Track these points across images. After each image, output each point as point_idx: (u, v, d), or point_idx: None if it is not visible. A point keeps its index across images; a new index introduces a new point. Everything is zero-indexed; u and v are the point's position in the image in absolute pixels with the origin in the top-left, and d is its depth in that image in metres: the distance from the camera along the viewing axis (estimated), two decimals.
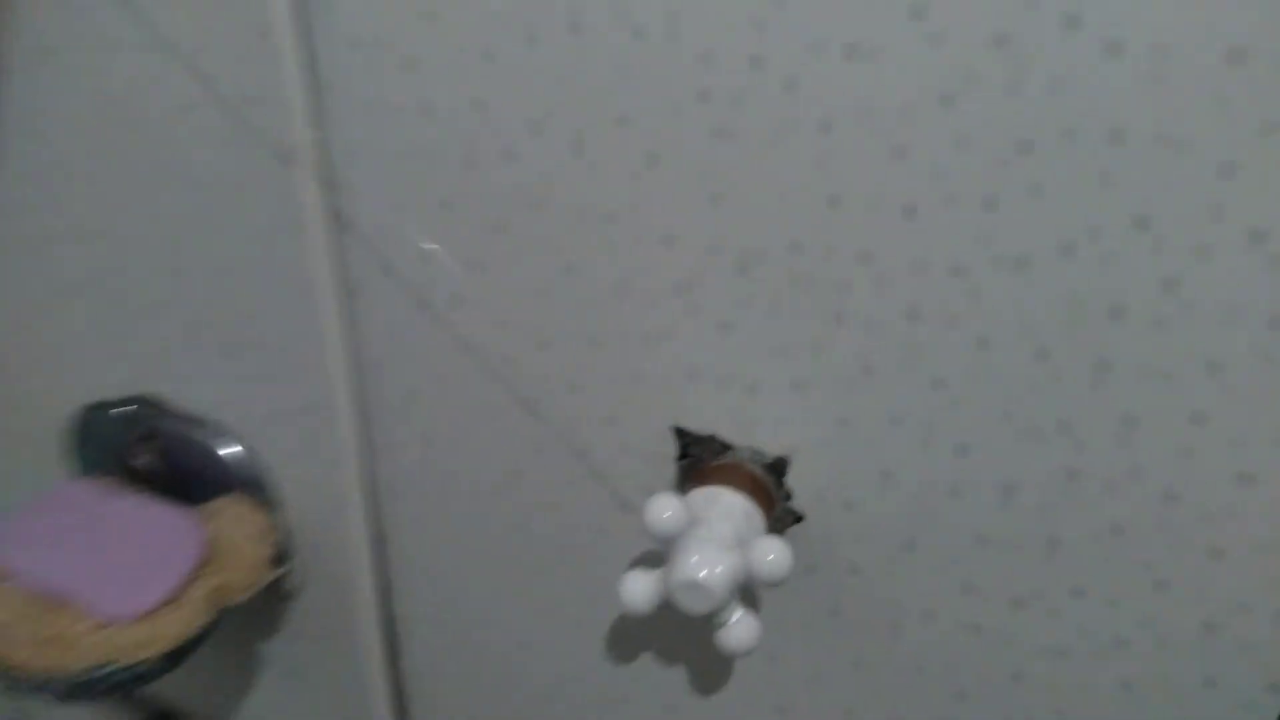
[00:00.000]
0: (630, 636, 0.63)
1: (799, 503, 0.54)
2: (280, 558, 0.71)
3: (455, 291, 0.57)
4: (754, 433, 0.53)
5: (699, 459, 0.55)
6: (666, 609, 0.49)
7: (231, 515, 0.71)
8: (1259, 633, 0.46)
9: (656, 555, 0.59)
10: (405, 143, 0.54)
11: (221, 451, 0.72)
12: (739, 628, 0.50)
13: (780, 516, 0.54)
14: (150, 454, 0.73)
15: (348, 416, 0.64)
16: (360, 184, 0.57)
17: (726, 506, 0.51)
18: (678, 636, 0.62)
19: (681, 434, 0.55)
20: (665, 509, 0.48)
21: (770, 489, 0.54)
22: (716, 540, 0.49)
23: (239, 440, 0.72)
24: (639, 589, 0.50)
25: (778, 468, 0.53)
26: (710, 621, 0.50)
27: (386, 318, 0.60)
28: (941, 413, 0.48)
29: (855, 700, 0.58)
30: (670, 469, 0.56)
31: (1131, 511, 0.46)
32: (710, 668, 0.62)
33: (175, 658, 0.64)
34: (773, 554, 0.47)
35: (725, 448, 0.54)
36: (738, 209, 0.48)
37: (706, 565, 0.48)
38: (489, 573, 0.66)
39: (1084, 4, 0.38)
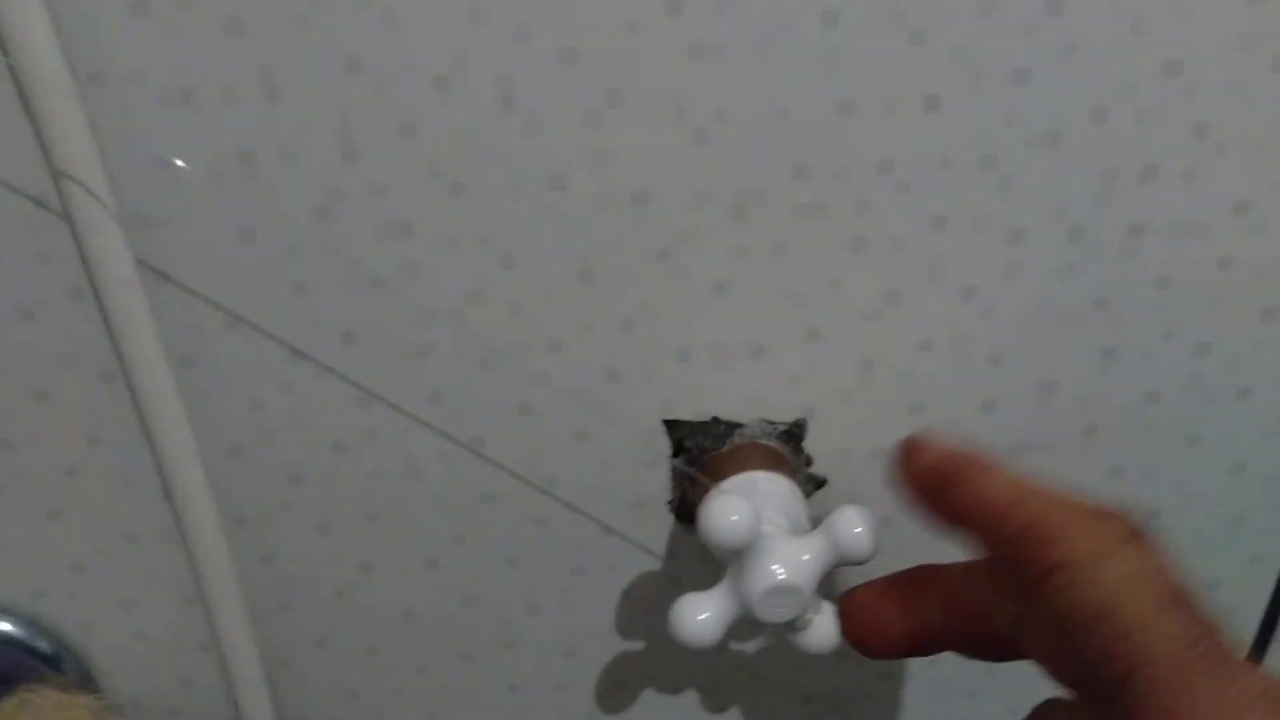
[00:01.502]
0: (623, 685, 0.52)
1: (819, 466, 0.45)
2: None
3: (345, 328, 0.42)
4: (763, 403, 0.44)
5: (702, 450, 0.44)
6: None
7: (46, 707, 0.49)
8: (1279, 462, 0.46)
9: (652, 576, 0.49)
10: (238, 139, 0.37)
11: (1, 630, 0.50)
12: (824, 624, 0.41)
13: (802, 486, 0.45)
14: None
15: (202, 515, 0.46)
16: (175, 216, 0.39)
17: (768, 491, 0.42)
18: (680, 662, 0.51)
19: (675, 426, 0.44)
20: (732, 511, 0.37)
21: (788, 458, 0.45)
22: (782, 533, 0.39)
23: (12, 613, 0.50)
24: (705, 617, 0.39)
25: (795, 433, 0.45)
26: (789, 625, 0.41)
27: (242, 386, 0.43)
28: (974, 323, 0.42)
29: (887, 663, 0.51)
30: (658, 475, 0.45)
31: (1165, 375, 0.43)
32: (733, 662, 0.52)
33: None
34: (859, 525, 0.38)
35: (731, 428, 0.44)
36: (728, 141, 0.38)
37: (790, 563, 0.38)
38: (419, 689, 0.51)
39: None
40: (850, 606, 0.36)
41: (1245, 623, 0.50)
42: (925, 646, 0.34)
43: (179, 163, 0.36)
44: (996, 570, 0.31)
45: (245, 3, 0.35)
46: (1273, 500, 0.47)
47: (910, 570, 0.35)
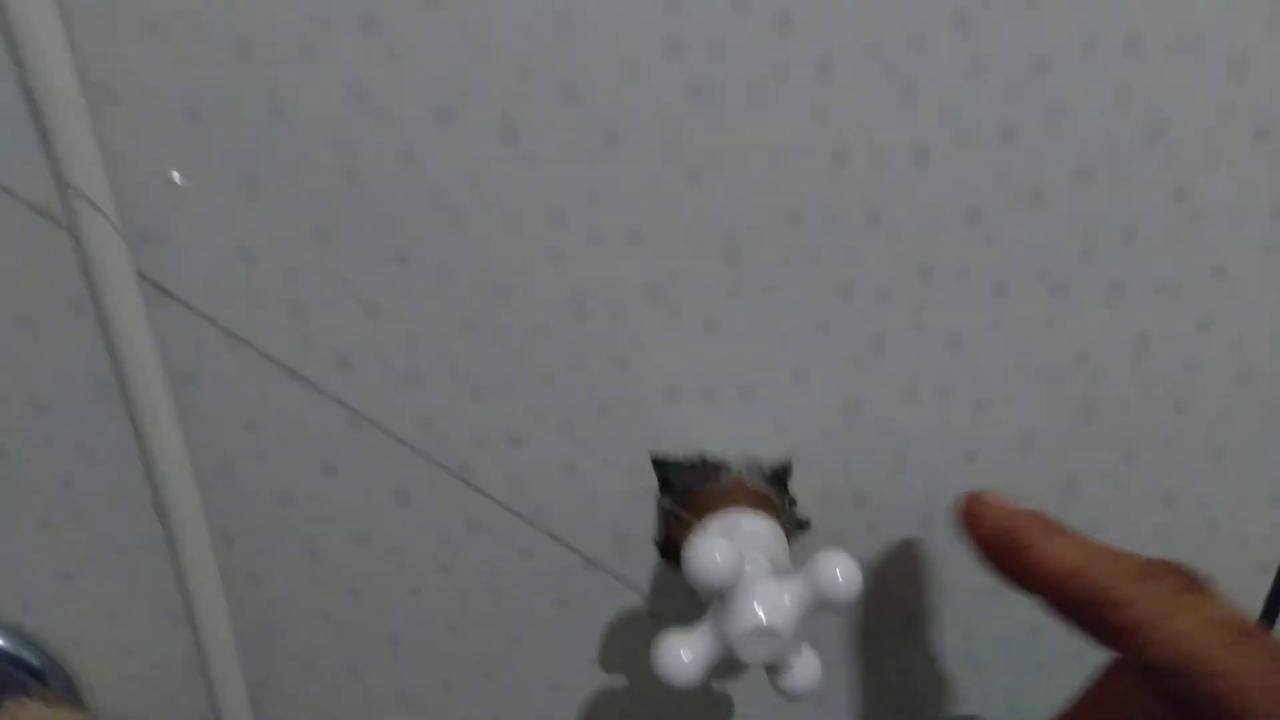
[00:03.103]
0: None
1: (803, 508, 0.43)
2: None
3: (341, 353, 0.40)
4: (749, 442, 0.42)
5: (687, 487, 0.42)
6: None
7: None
8: (1252, 524, 0.43)
9: (634, 612, 0.46)
10: (242, 160, 0.36)
11: None
12: (805, 667, 0.38)
13: (786, 528, 0.43)
14: None
15: (192, 531, 0.43)
16: (178, 233, 0.37)
17: (751, 531, 0.39)
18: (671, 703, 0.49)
19: (662, 464, 0.42)
20: (714, 550, 0.35)
21: (773, 500, 0.42)
22: (764, 573, 0.37)
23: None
24: (687, 657, 0.36)
25: (780, 475, 0.42)
26: (769, 667, 0.38)
27: (237, 404, 0.41)
28: (957, 373, 0.40)
29: (869, 707, 0.48)
30: (644, 511, 0.43)
31: (1142, 433, 0.41)
32: (711, 700, 0.49)
33: None
34: (841, 570, 0.36)
35: (717, 467, 0.42)
36: (723, 183, 0.36)
37: (771, 604, 0.36)
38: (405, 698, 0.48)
39: None
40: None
41: None
42: None
43: (176, 177, 0.34)
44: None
45: (255, 28, 0.34)
46: (1246, 561, 0.44)
47: None
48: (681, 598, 0.46)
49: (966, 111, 0.35)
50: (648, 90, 0.35)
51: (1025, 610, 0.46)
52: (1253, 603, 0.46)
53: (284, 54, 0.34)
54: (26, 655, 0.48)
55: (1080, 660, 0.46)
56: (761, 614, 0.35)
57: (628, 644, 0.47)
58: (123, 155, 0.35)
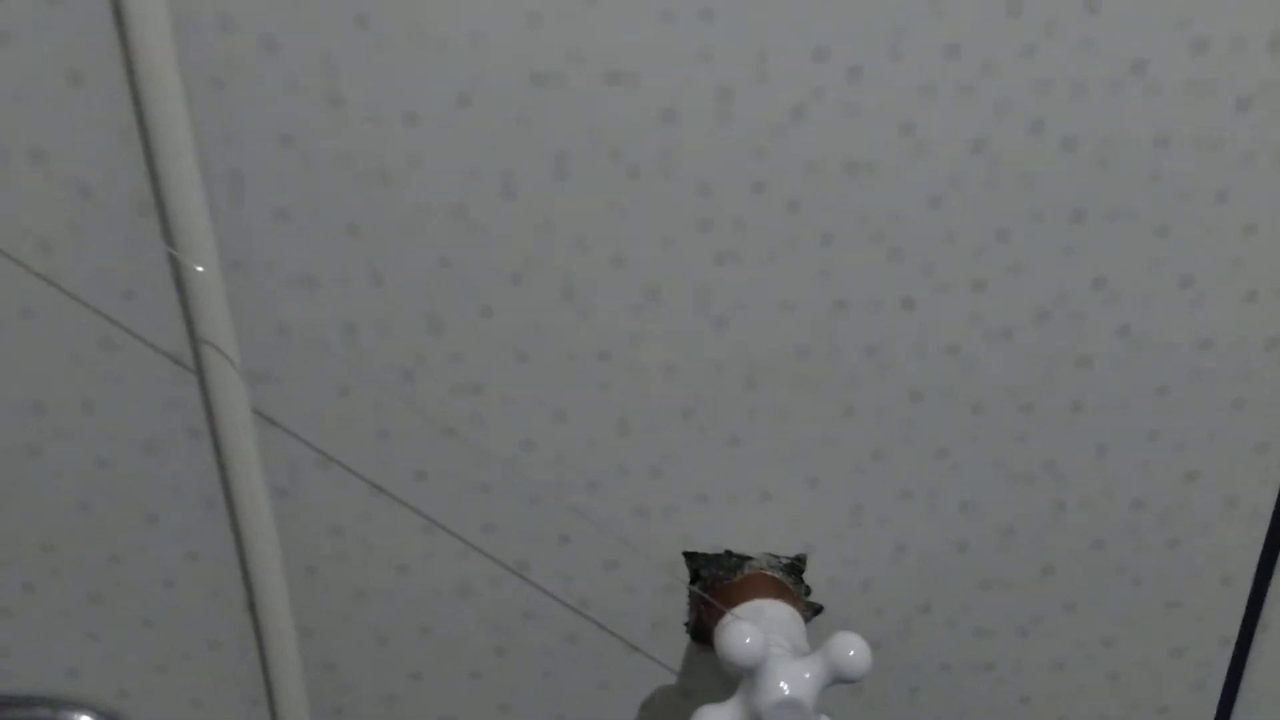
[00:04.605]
0: None
1: (816, 595, 0.52)
2: None
3: (418, 468, 0.48)
4: (769, 539, 0.50)
5: (716, 579, 0.51)
6: None
7: None
8: (1209, 602, 0.52)
9: (668, 690, 0.54)
10: (346, 315, 0.45)
11: None
12: None
13: (802, 613, 0.52)
14: None
15: (279, 625, 0.51)
16: (287, 374, 0.46)
17: (773, 617, 0.48)
18: None
19: (693, 557, 0.51)
20: (745, 635, 0.44)
21: (790, 589, 0.51)
22: (787, 653, 0.45)
23: (97, 711, 0.55)
24: None
25: (797, 567, 0.51)
26: None
27: (325, 513, 0.49)
28: (945, 478, 0.49)
29: None
30: (677, 600, 0.52)
31: (1107, 526, 0.50)
32: None
33: None
34: (853, 650, 0.45)
35: (741, 561, 0.51)
36: (744, 327, 0.46)
37: (794, 680, 0.44)
38: None
39: (1044, 109, 0.42)
40: None
41: None
42: None
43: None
44: None
45: (364, 211, 0.43)
46: (1207, 635, 0.53)
47: None
48: (709, 677, 0.54)
49: (943, 268, 0.45)
50: (682, 256, 0.44)
51: (1015, 684, 0.54)
52: (1215, 673, 0.54)
53: (387, 232, 0.43)
54: None
55: None
56: (787, 689, 0.44)
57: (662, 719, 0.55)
58: (247, 313, 0.45)
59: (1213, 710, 0.55)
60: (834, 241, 0.44)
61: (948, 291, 0.45)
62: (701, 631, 0.52)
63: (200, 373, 0.46)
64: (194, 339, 0.45)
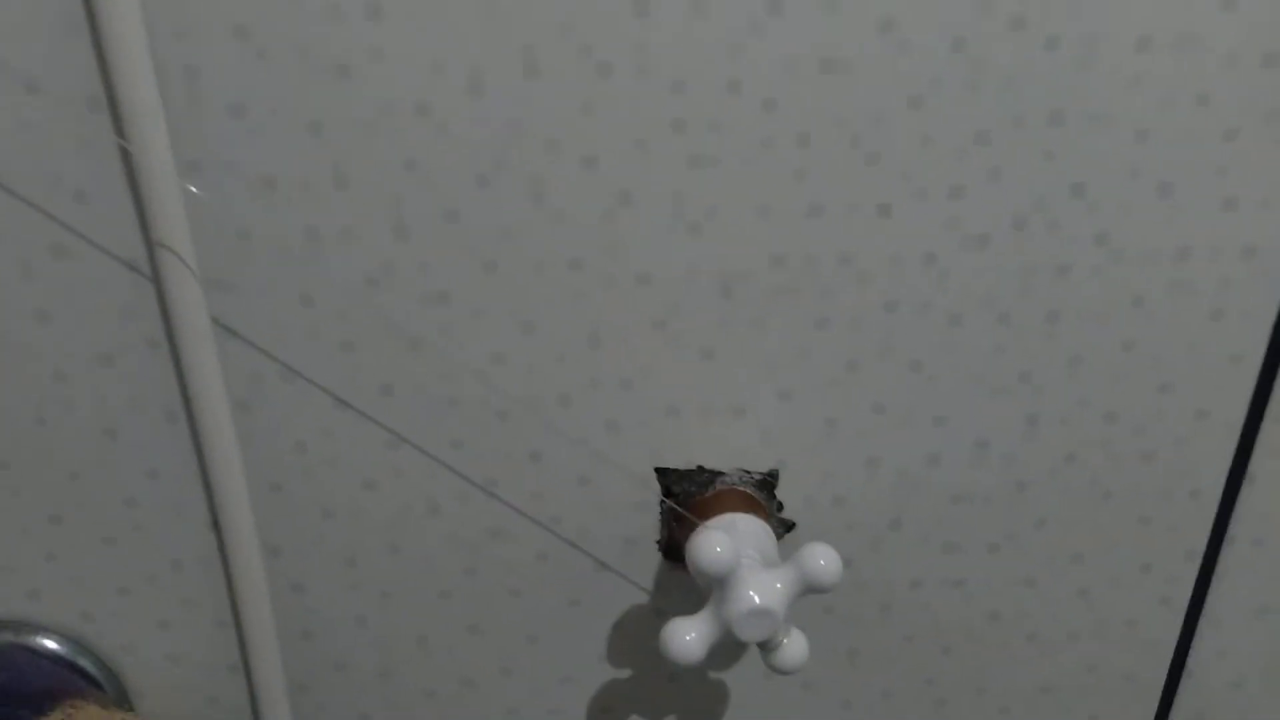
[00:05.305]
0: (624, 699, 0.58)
1: (789, 512, 0.52)
2: None
3: (384, 381, 0.48)
4: (741, 455, 0.51)
5: (688, 494, 0.51)
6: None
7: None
8: (1178, 516, 0.53)
9: (640, 608, 0.55)
10: (308, 219, 0.44)
11: (48, 648, 0.54)
12: (794, 646, 0.47)
13: (775, 529, 0.52)
14: None
15: (244, 544, 0.51)
16: (247, 281, 0.46)
17: (745, 530, 0.49)
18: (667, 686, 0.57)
19: (665, 473, 0.51)
20: (716, 544, 0.44)
21: (763, 504, 0.52)
22: (758, 564, 0.46)
23: (60, 633, 0.55)
24: (691, 637, 0.45)
25: (769, 483, 0.52)
26: (763, 646, 0.47)
27: (289, 429, 0.49)
28: (920, 391, 0.50)
29: (851, 690, 0.58)
30: (649, 517, 0.52)
31: (1080, 439, 0.51)
32: (709, 690, 0.58)
33: None
34: (824, 559, 0.45)
35: (714, 476, 0.51)
36: (719, 234, 0.45)
37: (765, 590, 0.45)
38: (438, 695, 0.56)
39: (1027, 6, 0.42)
40: None
41: (1157, 660, 0.57)
42: None
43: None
44: None
45: (325, 109, 0.42)
46: (1175, 550, 0.54)
47: None
48: (681, 595, 0.55)
49: (921, 173, 0.45)
50: (655, 159, 0.44)
51: (987, 600, 0.55)
52: (1182, 588, 0.56)
53: (350, 130, 0.43)
54: (83, 662, 0.55)
55: (1036, 642, 0.56)
56: (757, 598, 0.44)
57: (635, 638, 0.56)
58: (205, 217, 0.44)
59: (1179, 624, 0.57)
60: (810, 143, 0.44)
61: (925, 198, 0.45)
62: (674, 549, 0.52)
63: (157, 280, 0.45)
64: (150, 243, 0.44)
